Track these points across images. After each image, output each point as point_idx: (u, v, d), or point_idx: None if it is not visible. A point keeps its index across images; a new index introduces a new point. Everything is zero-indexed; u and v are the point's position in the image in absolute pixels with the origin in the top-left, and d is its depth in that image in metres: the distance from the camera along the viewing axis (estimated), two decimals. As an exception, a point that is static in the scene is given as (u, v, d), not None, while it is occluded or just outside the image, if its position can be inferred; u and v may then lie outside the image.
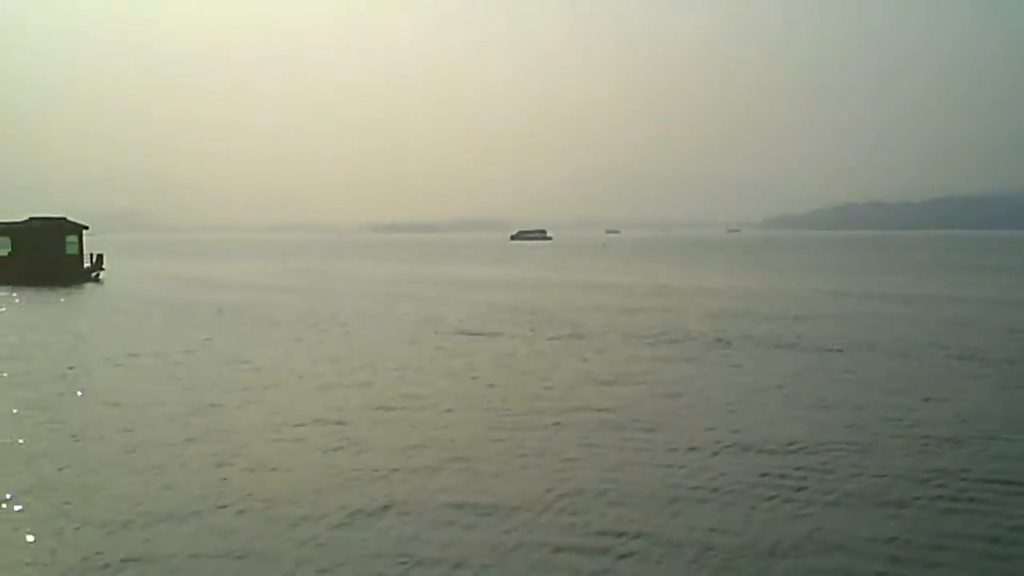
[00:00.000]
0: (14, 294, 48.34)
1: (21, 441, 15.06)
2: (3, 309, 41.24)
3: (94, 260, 60.35)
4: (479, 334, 29.20)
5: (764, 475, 12.74)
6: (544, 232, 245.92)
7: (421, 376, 21.20)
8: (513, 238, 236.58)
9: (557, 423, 16.05)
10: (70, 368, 23.25)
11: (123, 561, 9.72)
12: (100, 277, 59.72)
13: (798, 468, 13.06)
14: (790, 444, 14.42)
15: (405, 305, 40.48)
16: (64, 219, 60.42)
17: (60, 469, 13.33)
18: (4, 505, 11.70)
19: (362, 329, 31.17)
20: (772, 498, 11.77)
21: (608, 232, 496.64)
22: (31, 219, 60.04)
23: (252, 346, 26.80)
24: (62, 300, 46.97)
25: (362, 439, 14.89)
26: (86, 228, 60.91)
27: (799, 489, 12.10)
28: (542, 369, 22.16)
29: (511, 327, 31.03)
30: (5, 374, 22.14)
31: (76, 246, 59.88)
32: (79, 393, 19.57)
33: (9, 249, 58.95)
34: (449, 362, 23.42)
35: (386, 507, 11.40)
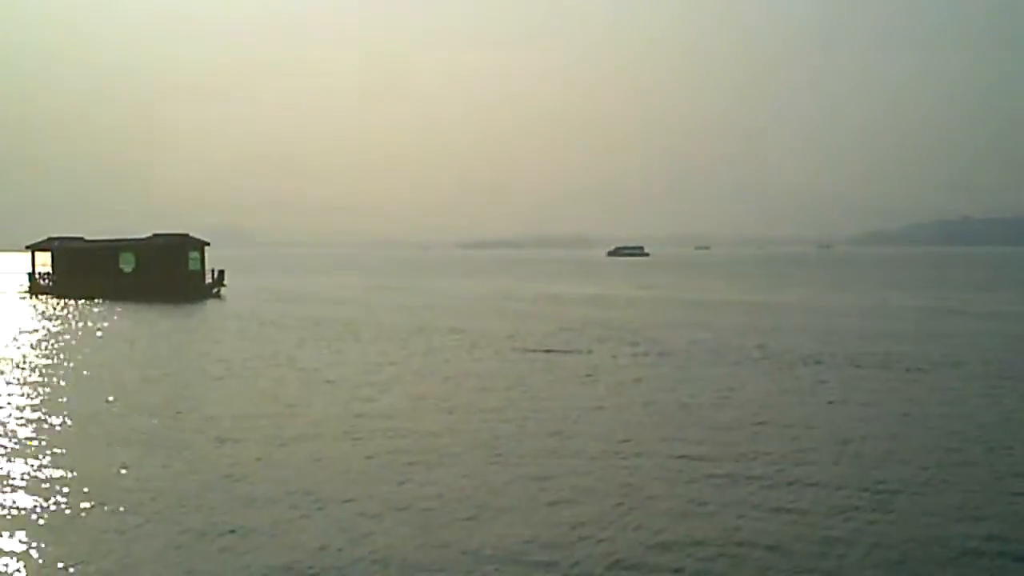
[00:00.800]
0: (139, 310, 49.62)
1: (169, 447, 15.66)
2: (135, 324, 42.45)
3: (215, 276, 61.82)
4: (571, 351, 29.28)
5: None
6: (641, 248, 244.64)
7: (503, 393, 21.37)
8: (610, 254, 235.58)
9: (627, 441, 16.04)
10: (204, 378, 24.17)
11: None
12: (221, 293, 61.14)
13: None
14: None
15: (517, 323, 40.52)
16: (187, 235, 62.05)
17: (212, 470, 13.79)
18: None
19: (469, 347, 31.39)
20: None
21: (698, 248, 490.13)
22: (155, 235, 61.81)
23: (371, 361, 27.13)
24: (186, 315, 48.30)
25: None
26: (207, 244, 62.46)
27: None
28: (621, 386, 22.31)
29: (606, 345, 30.94)
30: (138, 385, 23.05)
31: (198, 262, 61.43)
32: (215, 402, 20.23)
33: (133, 265, 60.83)
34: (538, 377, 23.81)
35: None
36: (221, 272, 62.08)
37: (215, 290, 61.18)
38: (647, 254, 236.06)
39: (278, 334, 35.89)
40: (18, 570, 10.23)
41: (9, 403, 20.45)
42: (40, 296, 62.23)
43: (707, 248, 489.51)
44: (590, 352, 28.99)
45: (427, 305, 53.01)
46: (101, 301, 55.03)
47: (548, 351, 29.33)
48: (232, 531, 11.30)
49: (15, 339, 34.86)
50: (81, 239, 66.58)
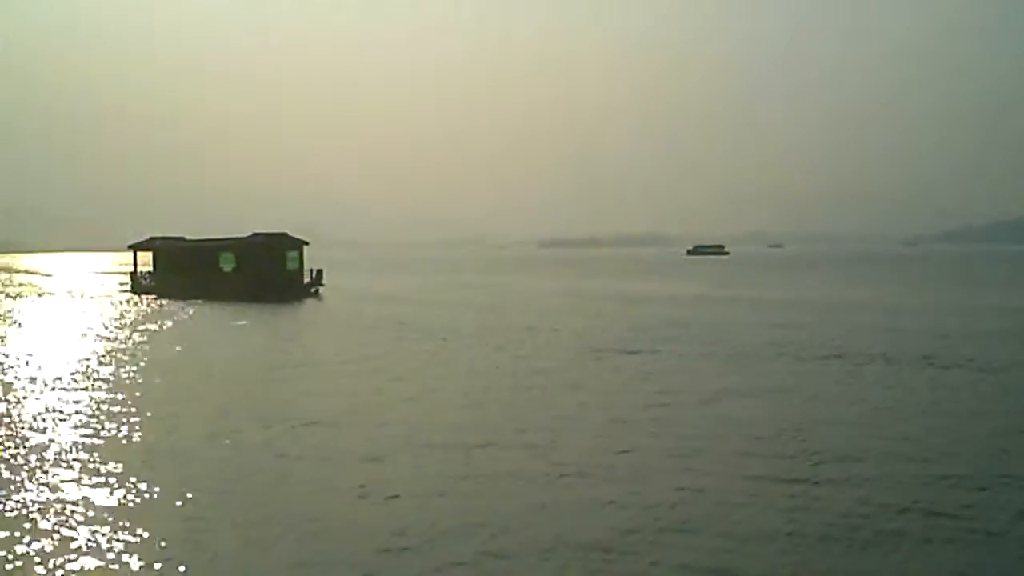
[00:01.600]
0: (238, 309, 49.79)
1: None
2: (243, 322, 42.76)
3: (314, 275, 62.08)
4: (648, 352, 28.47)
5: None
6: (721, 247, 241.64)
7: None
8: (690, 252, 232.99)
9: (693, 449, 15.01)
10: (303, 378, 23.84)
11: None
12: (320, 292, 61.38)
13: None
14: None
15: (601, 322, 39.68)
16: (285, 234, 62.36)
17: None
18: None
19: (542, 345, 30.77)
20: None
21: (771, 246, 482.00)
22: (254, 235, 62.27)
23: (477, 368, 26.55)
24: (285, 314, 48.61)
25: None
26: (306, 243, 62.74)
27: None
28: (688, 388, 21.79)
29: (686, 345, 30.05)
30: (235, 386, 23.14)
31: (297, 261, 61.71)
32: (315, 404, 19.85)
33: (234, 264, 61.36)
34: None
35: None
36: (319, 271, 62.27)
37: (313, 289, 61.40)
38: (727, 252, 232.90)
39: (380, 335, 35.51)
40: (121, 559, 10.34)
41: (107, 399, 20.46)
42: (142, 295, 63.21)
43: (780, 246, 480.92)
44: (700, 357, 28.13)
45: (521, 305, 52.41)
46: (201, 300, 55.57)
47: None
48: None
49: (117, 337, 35.21)
50: (182, 239, 67.47)
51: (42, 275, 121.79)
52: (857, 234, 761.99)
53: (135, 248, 66.84)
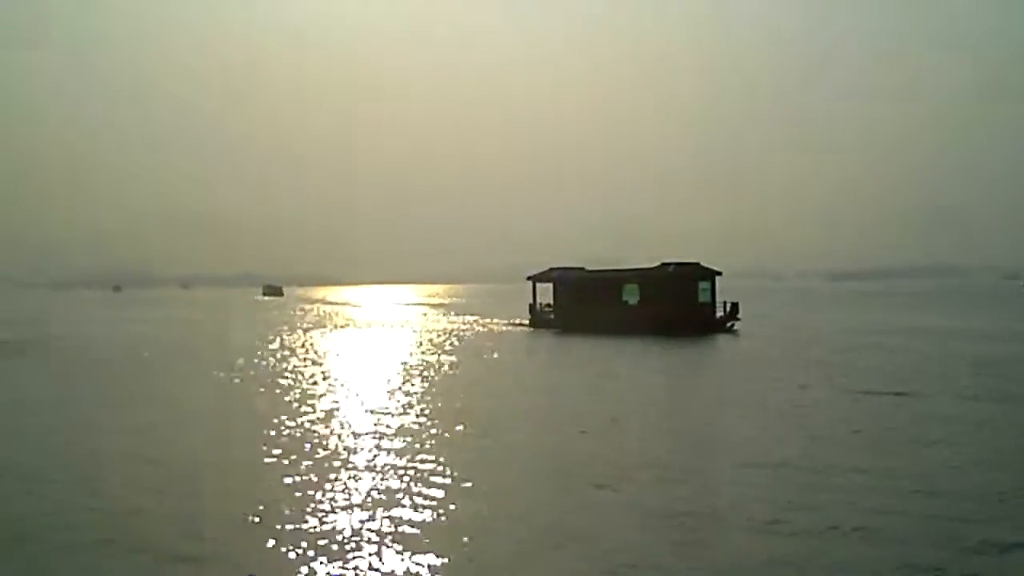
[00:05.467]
0: (644, 346, 45.21)
1: None
2: (652, 361, 37.02)
3: (728, 309, 55.39)
4: None
5: None
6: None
7: None
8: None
9: None
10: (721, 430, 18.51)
11: None
12: (735, 328, 54.48)
13: None
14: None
15: None
16: (697, 264, 56.42)
17: None
18: None
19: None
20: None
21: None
22: (662, 264, 56.82)
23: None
24: (698, 352, 43.50)
25: None
26: (719, 274, 56.30)
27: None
28: None
29: None
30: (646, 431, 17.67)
31: (708, 293, 55.45)
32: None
33: (638, 297, 56.27)
34: None
35: None
36: (735, 305, 55.38)
37: (729, 324, 54.62)
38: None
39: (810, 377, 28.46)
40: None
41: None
42: (541, 329, 59.70)
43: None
44: None
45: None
46: (603, 336, 50.88)
47: None
48: None
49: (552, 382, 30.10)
50: (582, 269, 63.53)
51: (353, 306, 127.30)
52: None
53: (534, 279, 63.70)
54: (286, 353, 44.75)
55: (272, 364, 38.92)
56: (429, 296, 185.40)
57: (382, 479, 15.86)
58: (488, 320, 74.66)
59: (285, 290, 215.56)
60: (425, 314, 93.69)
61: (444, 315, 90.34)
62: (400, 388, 29.43)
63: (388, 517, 13.39)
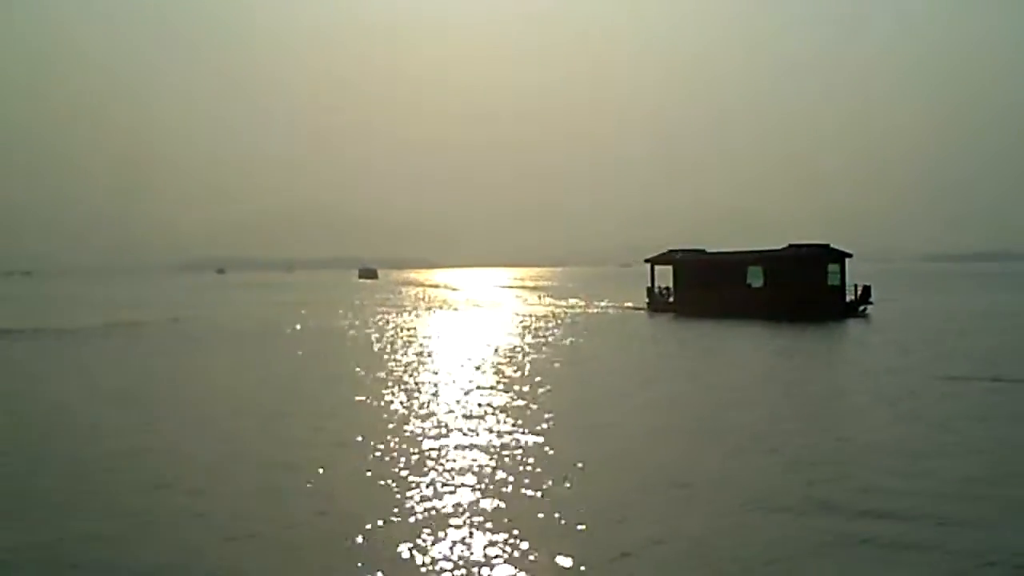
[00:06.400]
0: (769, 331, 43.63)
1: None
2: (767, 346, 35.17)
3: (858, 293, 53.09)
4: None
5: None
6: None
7: None
8: None
9: None
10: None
11: None
12: (867, 312, 52.16)
13: None
14: None
15: None
16: (826, 246, 54.24)
17: None
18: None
19: None
20: None
21: None
22: (790, 246, 54.76)
23: None
24: (826, 338, 41.52)
25: None
26: (849, 256, 54.00)
27: None
28: None
29: None
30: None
31: (838, 276, 53.17)
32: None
33: (763, 280, 54.33)
34: None
35: None
36: (866, 288, 53.04)
37: (861, 308, 52.33)
38: None
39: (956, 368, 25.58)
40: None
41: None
42: (659, 312, 58.18)
43: None
44: None
45: None
46: (727, 320, 49.23)
47: None
48: None
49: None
50: (702, 251, 61.70)
51: (450, 288, 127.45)
52: None
53: (652, 262, 62.11)
54: (403, 333, 45.75)
55: (395, 343, 39.17)
56: (523, 279, 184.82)
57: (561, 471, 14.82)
58: (599, 303, 73.46)
59: (380, 273, 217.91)
60: (526, 298, 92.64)
61: (550, 298, 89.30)
62: (539, 371, 28.59)
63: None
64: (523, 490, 13.57)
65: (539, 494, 13.35)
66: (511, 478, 14.25)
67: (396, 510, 12.60)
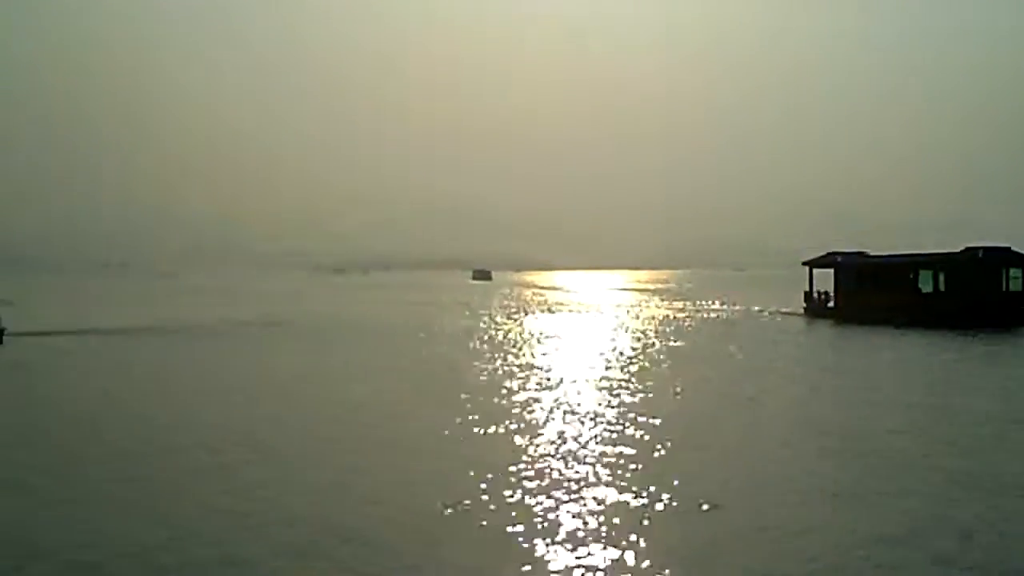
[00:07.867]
0: (940, 340, 40.69)
1: None
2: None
3: (1043, 299, 49.45)
4: None
5: None
6: None
7: None
8: None
9: None
10: None
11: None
12: (1052, 319, 48.49)
13: None
14: None
15: None
16: (1008, 249, 50.76)
17: None
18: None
19: None
20: None
21: None
22: (966, 249, 51.43)
23: None
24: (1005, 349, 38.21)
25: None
26: (1021, 259, 50.44)
27: None
28: None
29: None
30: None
31: (1019, 281, 49.67)
32: None
33: (934, 284, 51.18)
34: None
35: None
36: (1052, 294, 49.36)
37: (1041, 315, 48.77)
38: None
39: None
40: None
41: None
42: (820, 318, 55.19)
43: None
44: None
45: None
46: (895, 328, 46.30)
47: None
48: None
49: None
50: (864, 254, 58.55)
51: (565, 291, 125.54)
52: None
53: (811, 264, 59.25)
54: (527, 334, 46.27)
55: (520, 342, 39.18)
56: (640, 281, 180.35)
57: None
58: (750, 308, 69.62)
59: (494, 274, 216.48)
60: (653, 303, 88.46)
61: (691, 302, 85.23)
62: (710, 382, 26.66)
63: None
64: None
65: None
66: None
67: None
